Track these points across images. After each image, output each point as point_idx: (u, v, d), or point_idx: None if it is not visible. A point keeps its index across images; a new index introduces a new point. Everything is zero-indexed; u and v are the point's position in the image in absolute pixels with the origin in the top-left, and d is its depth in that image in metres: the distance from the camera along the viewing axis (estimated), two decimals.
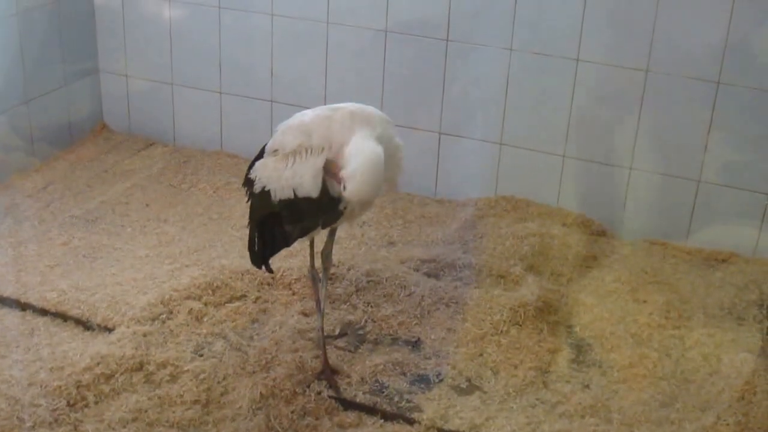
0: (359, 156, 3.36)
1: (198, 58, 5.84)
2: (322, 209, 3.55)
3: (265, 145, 3.79)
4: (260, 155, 3.81)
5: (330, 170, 3.49)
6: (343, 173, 3.37)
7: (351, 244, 4.90)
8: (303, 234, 3.73)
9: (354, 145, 3.42)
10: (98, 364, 3.85)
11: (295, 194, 3.55)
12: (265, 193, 3.68)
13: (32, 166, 5.65)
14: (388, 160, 3.58)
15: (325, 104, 3.87)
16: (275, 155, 3.67)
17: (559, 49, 4.98)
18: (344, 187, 3.36)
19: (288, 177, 3.57)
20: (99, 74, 6.13)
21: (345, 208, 3.56)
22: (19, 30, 5.40)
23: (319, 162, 3.50)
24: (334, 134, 3.50)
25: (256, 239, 3.91)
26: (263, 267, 3.97)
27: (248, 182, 3.83)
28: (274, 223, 3.74)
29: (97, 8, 5.98)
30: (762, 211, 4.85)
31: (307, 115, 3.67)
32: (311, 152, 3.53)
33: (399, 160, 3.73)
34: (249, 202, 3.91)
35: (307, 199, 3.52)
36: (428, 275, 4.61)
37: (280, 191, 3.61)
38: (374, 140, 3.44)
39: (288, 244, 3.83)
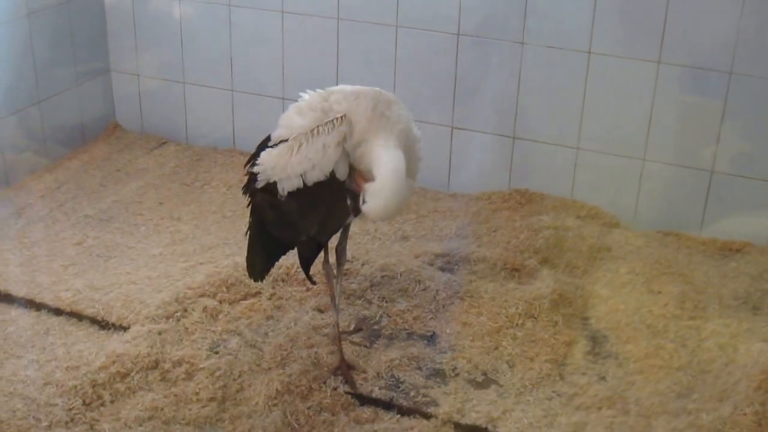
0: (388, 174, 3.31)
1: (209, 57, 5.85)
2: (342, 193, 3.49)
3: (268, 136, 3.75)
4: (262, 148, 3.74)
5: (354, 177, 3.47)
6: (368, 186, 3.34)
7: (365, 239, 4.90)
8: (337, 227, 3.69)
9: (382, 159, 3.36)
10: (114, 362, 3.86)
11: (304, 182, 3.50)
12: (270, 186, 3.63)
13: (45, 166, 5.67)
14: (406, 152, 3.55)
15: None
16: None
17: (571, 41, 4.97)
18: (363, 201, 3.33)
19: (295, 163, 3.50)
20: (110, 74, 6.15)
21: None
22: (30, 31, 5.42)
23: (333, 138, 3.44)
24: (358, 116, 3.46)
25: (260, 245, 3.90)
26: (262, 279, 4.03)
27: (251, 178, 3.74)
28: (306, 223, 3.68)
29: (107, 8, 5.99)
30: None
31: (327, 92, 3.62)
32: (322, 131, 3.46)
33: (418, 151, 3.70)
34: (250, 205, 3.86)
35: (321, 185, 3.48)
36: (442, 269, 4.61)
37: (287, 181, 3.55)
38: (400, 152, 3.39)
39: (325, 241, 3.80)
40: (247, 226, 3.95)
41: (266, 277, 4.13)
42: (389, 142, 3.41)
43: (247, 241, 3.96)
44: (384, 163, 3.35)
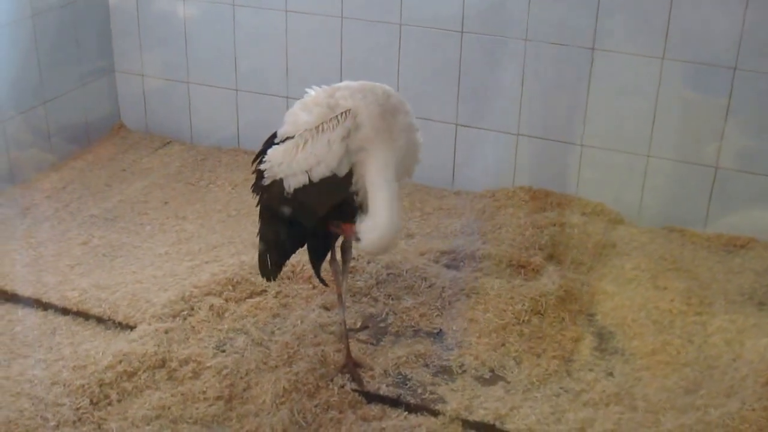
0: (384, 215, 3.36)
1: (213, 56, 5.85)
2: (347, 189, 3.50)
3: (274, 133, 3.76)
4: (268, 145, 3.75)
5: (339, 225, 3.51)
6: (361, 223, 3.41)
7: None
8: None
9: (379, 192, 3.40)
10: (120, 362, 3.86)
11: (310, 179, 3.51)
12: (277, 183, 3.64)
13: (51, 166, 5.68)
14: (407, 155, 3.55)
15: None
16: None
17: (575, 38, 4.96)
18: (358, 239, 3.41)
19: (301, 159, 3.52)
20: (115, 74, 6.15)
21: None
22: (35, 31, 5.42)
23: (338, 134, 3.43)
24: (364, 118, 3.45)
25: (271, 244, 3.90)
26: (274, 279, 4.03)
27: (259, 176, 3.77)
28: (314, 220, 3.68)
29: (111, 9, 6.00)
30: None
31: (332, 89, 3.62)
32: (327, 127, 3.47)
33: (417, 154, 3.70)
34: (258, 204, 3.87)
35: (326, 181, 3.48)
36: (448, 266, 4.61)
37: (293, 178, 3.56)
38: (395, 182, 3.42)
39: (334, 240, 3.81)
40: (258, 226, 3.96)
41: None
42: (389, 161, 3.42)
43: (258, 241, 3.97)
44: (381, 199, 3.39)
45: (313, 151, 3.47)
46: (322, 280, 4.04)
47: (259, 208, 3.89)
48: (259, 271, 4.03)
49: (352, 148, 3.44)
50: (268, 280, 4.04)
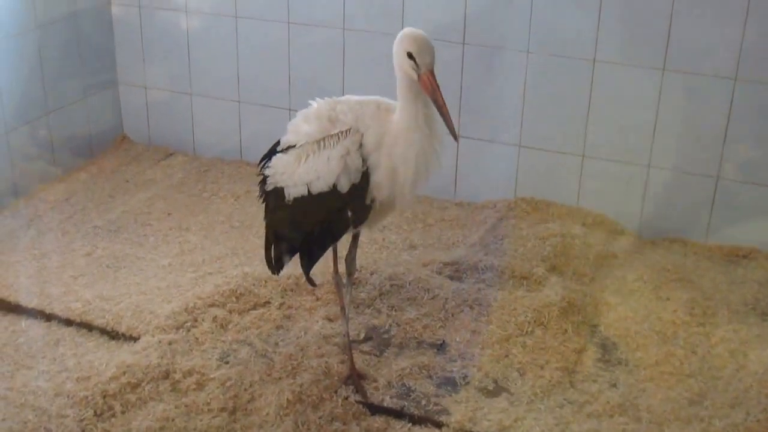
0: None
1: (216, 68, 5.87)
2: (348, 203, 3.55)
3: (278, 141, 3.81)
4: (273, 150, 3.83)
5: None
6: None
7: (372, 248, 4.91)
8: (337, 236, 3.73)
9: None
10: (124, 373, 3.87)
11: (309, 191, 3.58)
12: (278, 190, 3.71)
13: (54, 177, 5.69)
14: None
15: None
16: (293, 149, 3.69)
17: (576, 50, 4.98)
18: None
19: (302, 172, 3.60)
20: (118, 86, 6.17)
21: (373, 201, 3.57)
22: (39, 44, 5.44)
23: (337, 152, 3.50)
24: (366, 121, 3.54)
25: (275, 239, 3.94)
26: (278, 272, 4.02)
27: (263, 179, 3.85)
28: (309, 228, 3.74)
29: (114, 21, 6.02)
30: None
31: (334, 102, 3.69)
32: (328, 144, 3.54)
33: None
34: (263, 202, 3.94)
35: (324, 195, 3.54)
36: (451, 278, 4.62)
37: (294, 188, 3.64)
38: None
39: (326, 247, 3.83)
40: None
41: (276, 282, 4.25)
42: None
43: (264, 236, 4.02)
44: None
45: (314, 166, 3.56)
46: (310, 281, 4.05)
47: (264, 206, 3.95)
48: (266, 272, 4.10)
49: (353, 167, 3.51)
50: (273, 273, 4.04)
